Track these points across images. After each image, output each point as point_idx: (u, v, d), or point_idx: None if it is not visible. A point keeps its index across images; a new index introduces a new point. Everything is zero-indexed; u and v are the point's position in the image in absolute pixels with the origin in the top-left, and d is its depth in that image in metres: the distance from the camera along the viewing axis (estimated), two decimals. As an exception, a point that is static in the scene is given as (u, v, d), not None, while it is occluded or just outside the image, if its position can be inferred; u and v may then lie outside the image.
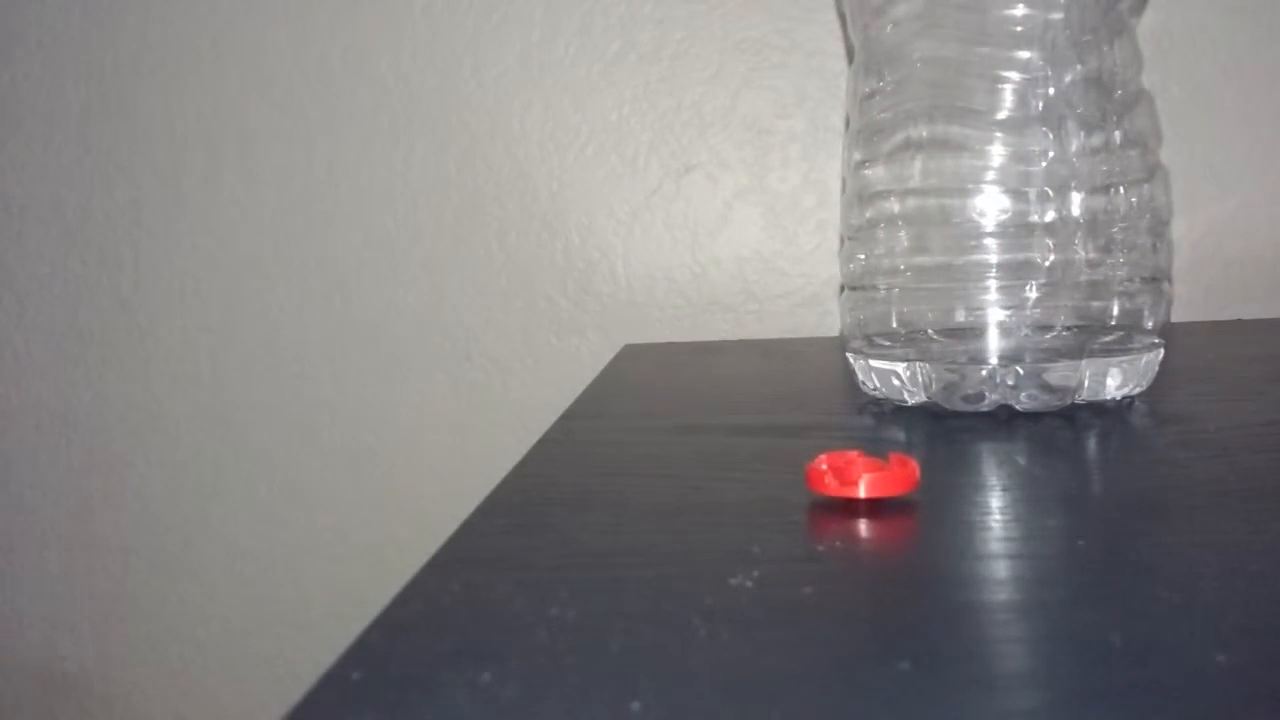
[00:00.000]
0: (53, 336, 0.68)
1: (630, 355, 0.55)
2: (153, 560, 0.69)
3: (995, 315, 0.35)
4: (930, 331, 0.36)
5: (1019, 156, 0.34)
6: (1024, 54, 0.34)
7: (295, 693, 0.17)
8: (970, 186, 0.35)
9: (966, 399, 0.35)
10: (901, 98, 0.36)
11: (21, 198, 0.68)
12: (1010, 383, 0.34)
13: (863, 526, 0.24)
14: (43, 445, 0.69)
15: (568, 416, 0.38)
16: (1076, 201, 0.34)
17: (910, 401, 0.36)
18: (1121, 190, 0.35)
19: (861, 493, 0.25)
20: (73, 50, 0.66)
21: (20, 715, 0.71)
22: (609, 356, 0.64)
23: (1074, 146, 0.34)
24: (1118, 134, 0.35)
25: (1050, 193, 0.34)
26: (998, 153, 0.35)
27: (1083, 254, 0.34)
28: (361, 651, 0.18)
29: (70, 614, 0.70)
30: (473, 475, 0.66)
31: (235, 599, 0.69)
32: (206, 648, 0.69)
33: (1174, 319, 0.42)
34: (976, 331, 0.35)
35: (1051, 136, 0.34)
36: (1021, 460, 0.29)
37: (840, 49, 0.62)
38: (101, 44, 0.66)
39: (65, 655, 0.70)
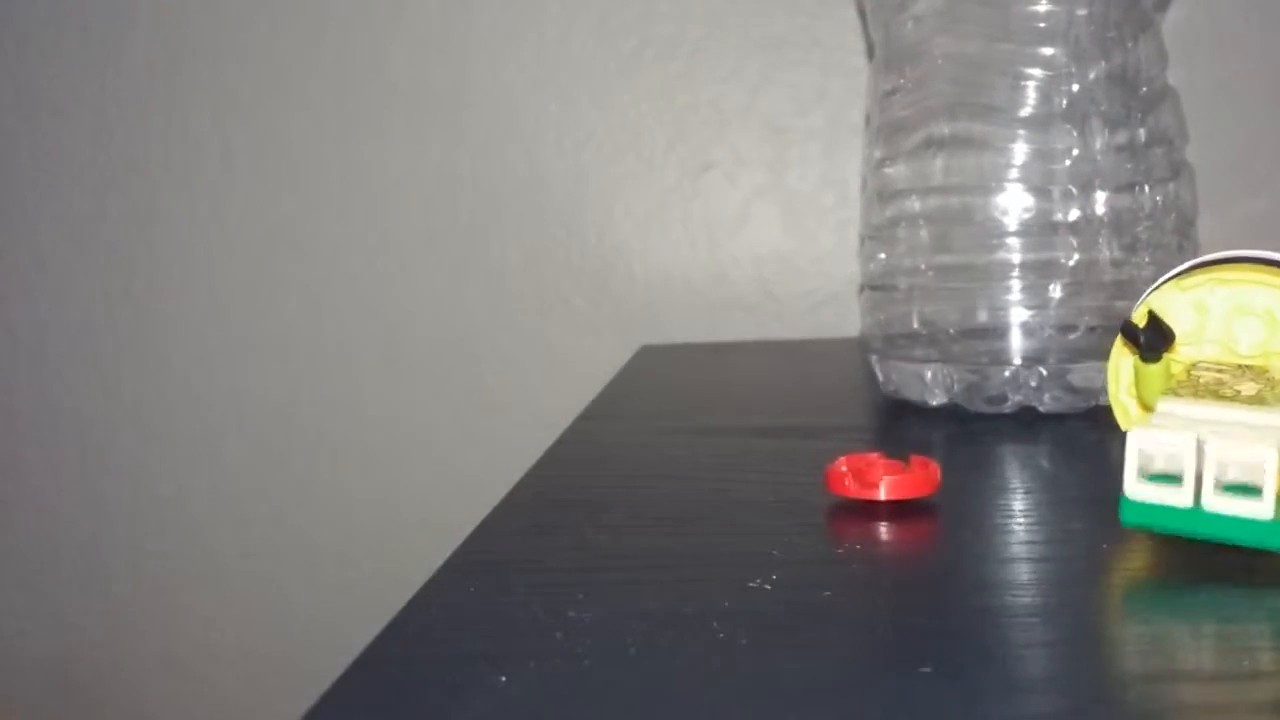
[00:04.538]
0: (66, 337, 0.69)
1: (647, 356, 0.55)
2: (164, 561, 0.69)
3: (1018, 315, 0.34)
4: (952, 332, 0.35)
5: (1042, 154, 0.34)
6: (1047, 50, 0.34)
7: (306, 694, 0.17)
8: (993, 185, 0.34)
9: (989, 400, 0.35)
10: (923, 95, 0.36)
11: (36, 199, 0.68)
12: (1034, 384, 0.34)
13: (883, 529, 0.24)
14: (57, 445, 0.70)
15: (584, 418, 0.38)
16: (1101, 200, 0.34)
17: (932, 403, 0.36)
18: (1146, 188, 0.35)
19: (882, 495, 0.25)
20: (86, 50, 0.67)
21: (30, 716, 0.71)
22: (626, 357, 0.63)
23: (1098, 144, 0.34)
24: (1142, 131, 0.35)
25: (1074, 191, 0.34)
26: (1021, 150, 0.34)
27: (1107, 253, 0.34)
28: (378, 653, 0.18)
29: (81, 614, 0.70)
30: (488, 477, 0.66)
31: (246, 601, 0.69)
32: (217, 649, 0.69)
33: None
34: (999, 332, 0.35)
35: (1075, 134, 0.34)
36: (1045, 462, 0.29)
37: (860, 45, 0.62)
38: (115, 44, 0.66)
39: (76, 656, 0.71)
